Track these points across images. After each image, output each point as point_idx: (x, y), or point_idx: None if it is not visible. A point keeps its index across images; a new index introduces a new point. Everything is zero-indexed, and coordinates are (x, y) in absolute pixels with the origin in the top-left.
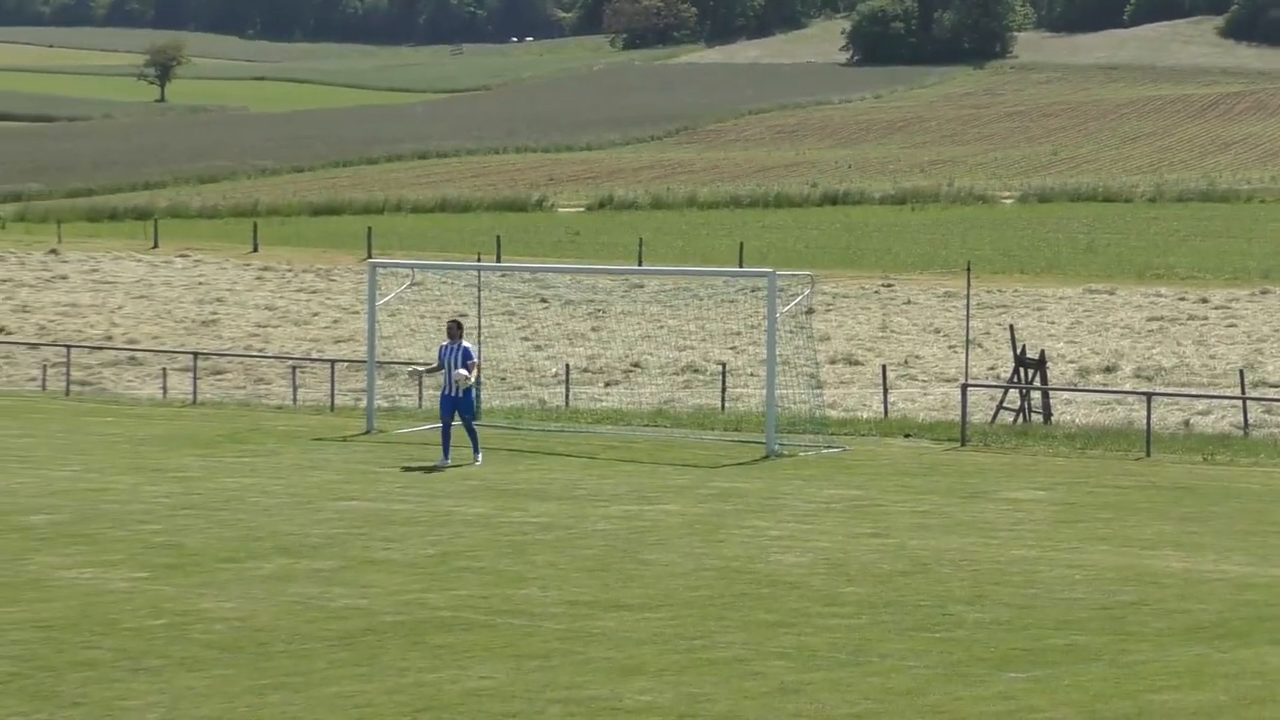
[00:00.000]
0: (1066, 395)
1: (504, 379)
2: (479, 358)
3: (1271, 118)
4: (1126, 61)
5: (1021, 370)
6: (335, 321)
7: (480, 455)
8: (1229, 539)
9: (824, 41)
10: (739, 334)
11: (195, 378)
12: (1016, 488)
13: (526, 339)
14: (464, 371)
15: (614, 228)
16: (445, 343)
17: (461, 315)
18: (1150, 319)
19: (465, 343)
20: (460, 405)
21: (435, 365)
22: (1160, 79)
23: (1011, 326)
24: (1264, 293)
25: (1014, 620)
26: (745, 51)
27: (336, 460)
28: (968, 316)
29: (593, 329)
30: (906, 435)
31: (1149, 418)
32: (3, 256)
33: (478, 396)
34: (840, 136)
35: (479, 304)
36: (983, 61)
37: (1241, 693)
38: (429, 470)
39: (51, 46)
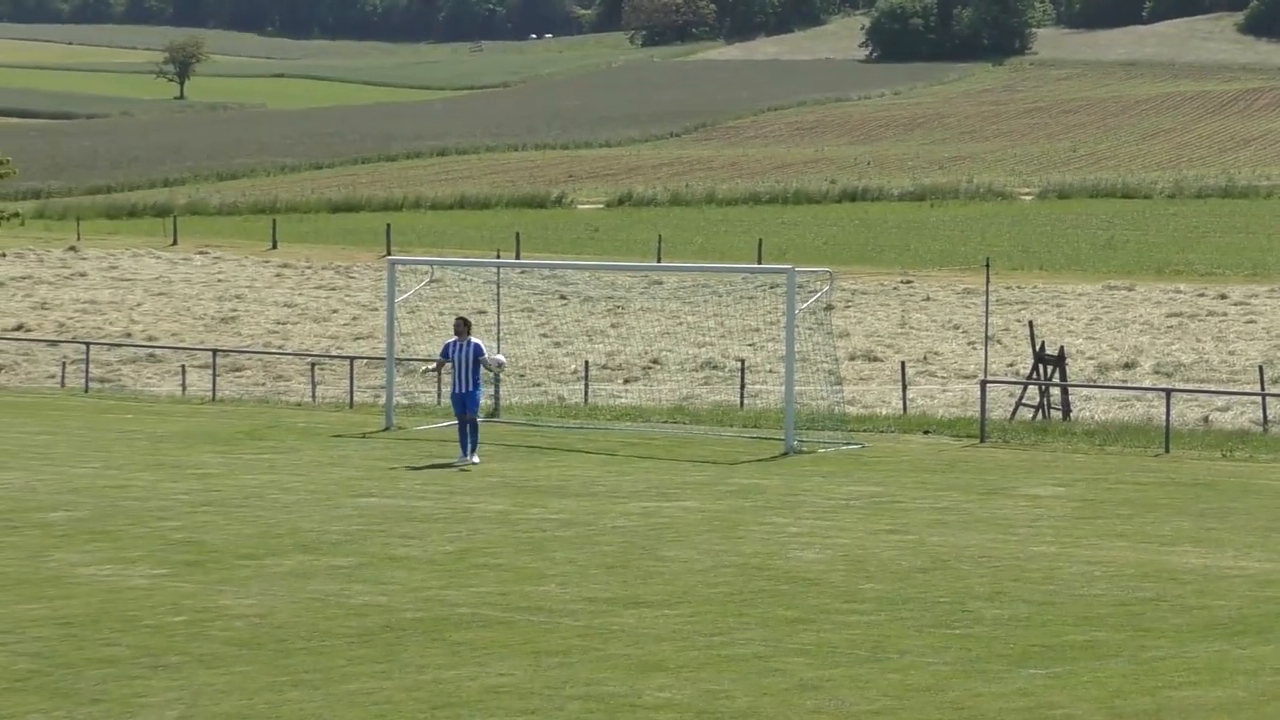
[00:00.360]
0: (1086, 392)
1: (523, 376)
2: (502, 355)
3: None
4: (1146, 58)
5: (1041, 367)
6: (354, 318)
7: (477, 456)
8: (1248, 535)
9: (843, 38)
10: (758, 330)
11: (214, 375)
12: (1036, 484)
13: (545, 336)
14: (501, 357)
15: (633, 224)
16: (452, 340)
17: (480, 311)
18: (1169, 315)
19: (475, 340)
20: (467, 402)
21: (440, 361)
22: (1180, 75)
23: (1030, 323)
24: None
25: (1033, 617)
26: (764, 48)
27: (356, 457)
28: (987, 313)
29: (612, 326)
30: (925, 432)
31: (1168, 414)
32: (22, 253)
33: (498, 394)
34: (859, 133)
35: (498, 301)
36: (1002, 58)
37: (1261, 689)
38: (448, 467)
39: (70, 44)
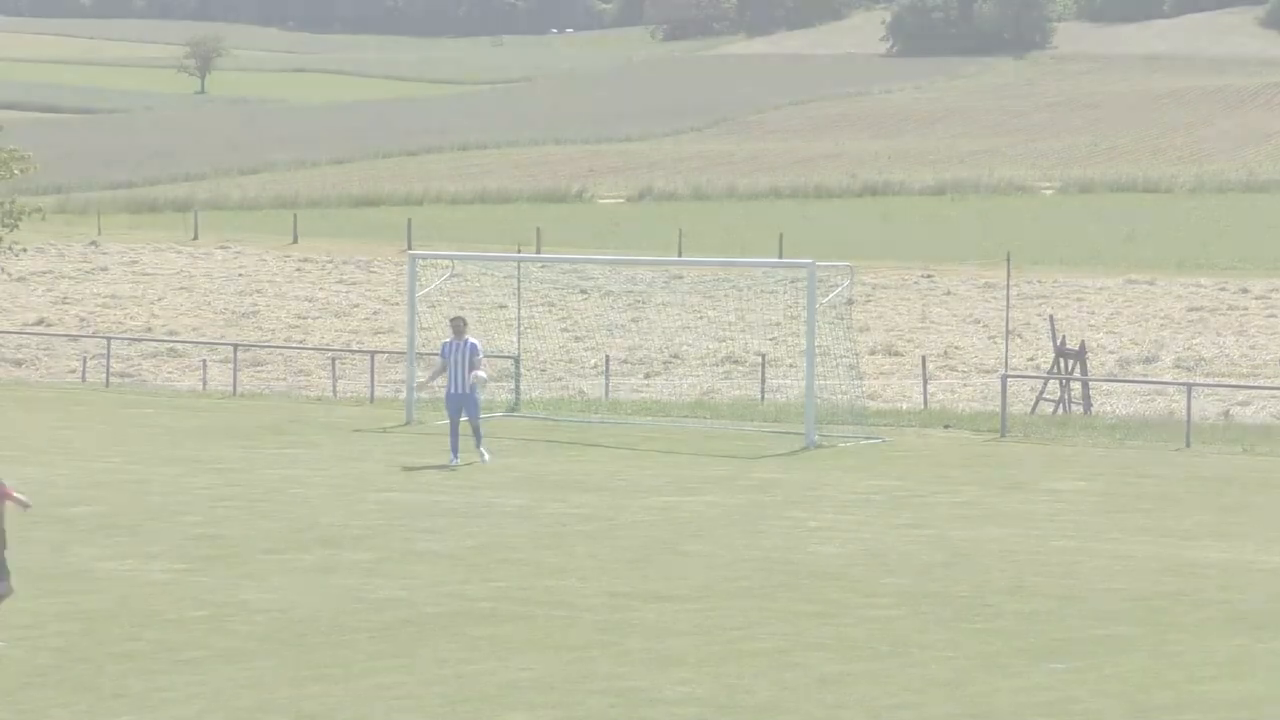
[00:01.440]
0: (1106, 386)
1: (543, 370)
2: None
3: None
4: (1167, 52)
5: (1061, 361)
6: (375, 313)
7: (487, 453)
8: (1269, 530)
9: (864, 32)
10: (779, 325)
11: (235, 369)
12: (1056, 479)
13: (566, 330)
14: (481, 373)
15: (654, 219)
16: (449, 340)
17: (501, 306)
18: (1190, 309)
19: (471, 339)
20: (466, 404)
21: (439, 368)
22: (1201, 69)
23: (1051, 317)
24: None
25: (1054, 611)
26: (785, 42)
27: (376, 451)
28: (1007, 307)
29: (632, 320)
30: (946, 426)
31: (1189, 408)
32: (43, 248)
33: (518, 389)
34: (880, 127)
35: (518, 295)
36: (1023, 52)
37: None
38: (439, 470)
39: (92, 39)
